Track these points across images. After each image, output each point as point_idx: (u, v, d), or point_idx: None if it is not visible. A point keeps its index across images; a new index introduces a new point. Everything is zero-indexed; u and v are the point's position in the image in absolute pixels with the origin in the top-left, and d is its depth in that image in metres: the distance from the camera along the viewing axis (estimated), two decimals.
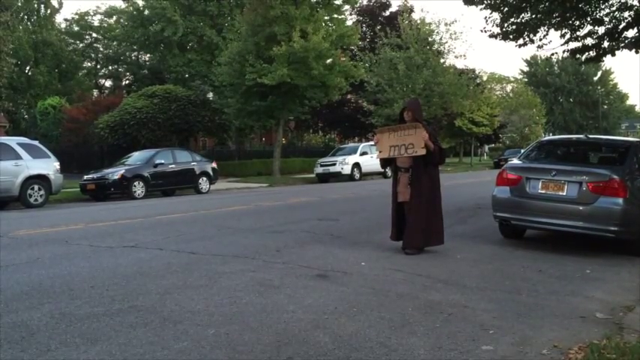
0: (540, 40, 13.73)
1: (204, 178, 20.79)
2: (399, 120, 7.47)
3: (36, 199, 15.44)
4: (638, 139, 9.00)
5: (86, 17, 49.76)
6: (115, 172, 18.35)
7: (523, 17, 13.18)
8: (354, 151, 28.88)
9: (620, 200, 6.76)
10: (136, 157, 20.26)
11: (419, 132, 6.74)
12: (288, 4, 26.15)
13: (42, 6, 45.96)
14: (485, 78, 54.79)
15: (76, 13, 51.42)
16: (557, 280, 5.74)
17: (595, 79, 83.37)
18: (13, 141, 15.98)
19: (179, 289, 5.20)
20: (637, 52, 13.02)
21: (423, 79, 33.27)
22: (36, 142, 16.66)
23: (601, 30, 13.28)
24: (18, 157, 15.18)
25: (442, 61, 36.31)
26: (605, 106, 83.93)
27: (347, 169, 27.26)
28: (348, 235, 8.53)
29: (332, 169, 27.49)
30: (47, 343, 3.83)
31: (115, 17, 48.18)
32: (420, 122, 6.96)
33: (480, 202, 12.56)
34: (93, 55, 52.08)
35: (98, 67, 53.38)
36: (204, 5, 39.14)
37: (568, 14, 12.80)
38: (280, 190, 21.19)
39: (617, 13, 12.82)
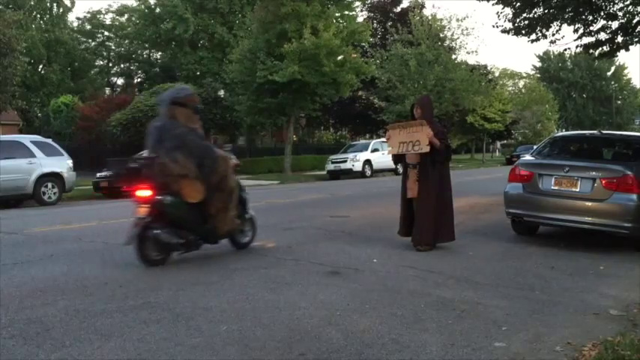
0: (553, 35, 13.65)
1: None
2: (410, 116, 7.47)
3: (49, 197, 15.56)
4: None
5: (98, 16, 50.08)
6: None
7: (535, 12, 13.10)
8: (365, 147, 28.82)
9: (634, 196, 6.70)
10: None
11: (424, 129, 6.76)
12: (299, 1, 26.13)
13: (54, 5, 46.31)
14: (497, 74, 54.41)
15: (88, 12, 51.89)
16: (571, 277, 5.71)
17: (608, 74, 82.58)
18: (26, 139, 16.13)
19: (192, 286, 5.22)
20: None
21: (435, 76, 33.14)
22: (49, 140, 16.78)
23: (615, 25, 13.16)
24: (32, 155, 15.31)
25: (454, 57, 36.14)
26: (619, 102, 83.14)
27: (358, 166, 27.22)
28: (360, 231, 8.53)
29: (343, 166, 27.46)
30: (62, 339, 3.87)
31: (126, 15, 48.45)
32: (427, 119, 6.95)
33: (492, 198, 12.50)
34: (105, 54, 52.42)
35: (110, 65, 53.72)
36: (215, 3, 39.26)
37: (581, 9, 12.70)
38: (291, 187, 21.21)
39: (630, 7, 12.70)
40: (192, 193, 6.11)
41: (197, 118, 6.51)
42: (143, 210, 6.00)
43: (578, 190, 7.09)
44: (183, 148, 6.08)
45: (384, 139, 23.07)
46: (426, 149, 6.72)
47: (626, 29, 12.99)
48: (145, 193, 6.04)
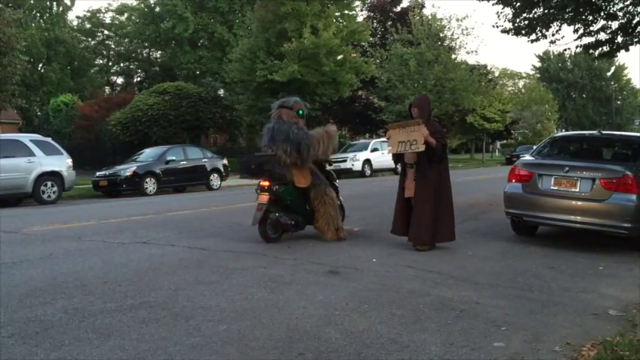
0: (553, 35, 13.60)
1: (216, 175, 20.82)
2: (409, 116, 7.49)
3: (49, 196, 15.55)
4: None
5: (98, 14, 50.04)
6: (127, 169, 18.45)
7: (535, 12, 13.06)
8: (364, 147, 28.78)
9: (634, 197, 6.70)
10: (148, 153, 20.36)
11: (421, 128, 6.80)
12: (299, 1, 26.13)
13: (54, 3, 46.31)
14: (497, 74, 54.40)
15: (88, 11, 51.72)
16: (570, 277, 5.71)
17: (608, 74, 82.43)
18: (26, 138, 16.12)
19: (191, 285, 5.22)
20: None
21: (434, 75, 33.11)
22: (49, 139, 16.75)
23: (614, 25, 13.13)
24: (31, 153, 15.29)
25: (453, 56, 36.06)
26: (619, 102, 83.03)
27: (358, 166, 27.20)
28: (359, 231, 8.52)
29: (343, 165, 27.37)
30: (61, 338, 3.87)
31: (126, 14, 48.40)
32: (425, 119, 6.98)
33: (491, 198, 12.50)
34: (105, 53, 52.38)
35: (110, 64, 53.67)
36: (214, 2, 39.26)
37: (581, 9, 12.66)
38: None
39: (631, 7, 12.67)
40: (301, 180, 7.52)
41: (299, 119, 7.77)
42: (264, 197, 7.32)
43: (577, 190, 7.09)
44: (287, 140, 7.37)
45: (383, 139, 23.07)
46: (422, 148, 6.76)
47: (626, 29, 12.96)
48: (265, 183, 7.37)
